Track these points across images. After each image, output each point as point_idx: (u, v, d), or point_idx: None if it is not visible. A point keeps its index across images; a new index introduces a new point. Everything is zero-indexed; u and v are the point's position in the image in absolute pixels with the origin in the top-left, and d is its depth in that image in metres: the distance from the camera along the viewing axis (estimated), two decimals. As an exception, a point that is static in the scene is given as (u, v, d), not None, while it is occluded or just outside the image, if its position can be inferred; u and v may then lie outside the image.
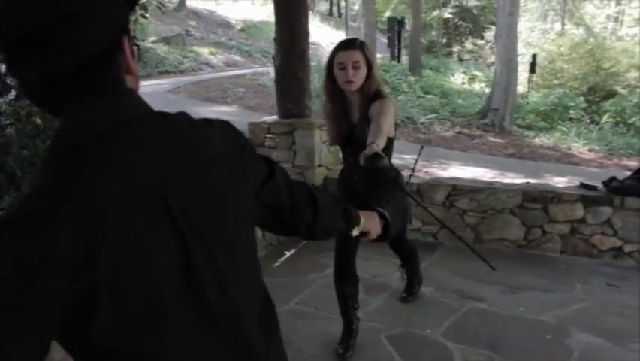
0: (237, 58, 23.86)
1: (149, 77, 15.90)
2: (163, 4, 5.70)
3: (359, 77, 2.78)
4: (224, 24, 29.48)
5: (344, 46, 2.84)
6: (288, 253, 4.84)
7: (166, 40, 22.45)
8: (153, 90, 11.89)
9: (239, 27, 29.88)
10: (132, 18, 5.72)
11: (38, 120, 5.63)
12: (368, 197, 2.33)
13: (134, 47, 0.87)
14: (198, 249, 0.85)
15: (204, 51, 22.64)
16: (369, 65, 2.80)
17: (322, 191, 1.39)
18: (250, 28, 29.68)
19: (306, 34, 5.46)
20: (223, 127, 0.98)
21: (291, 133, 5.38)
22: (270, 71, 19.70)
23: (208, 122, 0.96)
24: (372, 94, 2.81)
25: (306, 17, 5.50)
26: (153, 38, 21.55)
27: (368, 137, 2.51)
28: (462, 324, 3.59)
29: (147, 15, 5.79)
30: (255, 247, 1.04)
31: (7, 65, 0.80)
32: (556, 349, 3.29)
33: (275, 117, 5.74)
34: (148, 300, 0.79)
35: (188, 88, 14.12)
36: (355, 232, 1.44)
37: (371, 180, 2.58)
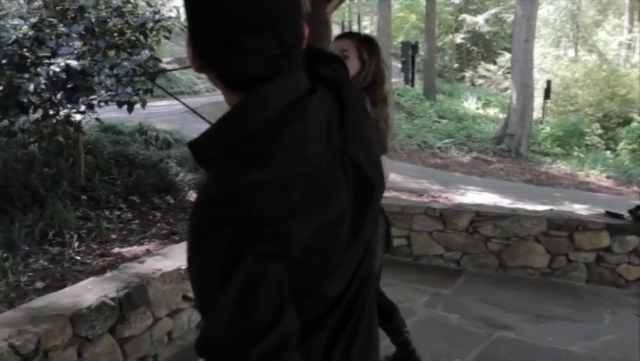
0: (253, 79, 23.99)
1: (163, 97, 16.01)
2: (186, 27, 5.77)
3: None
4: (239, 45, 29.75)
5: (340, 34, 2.70)
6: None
7: (180, 61, 22.63)
8: (169, 111, 11.95)
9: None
10: (154, 39, 5.83)
11: (61, 139, 5.73)
12: None
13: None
14: (371, 190, 1.01)
15: (219, 72, 22.80)
16: (363, 61, 2.57)
17: None
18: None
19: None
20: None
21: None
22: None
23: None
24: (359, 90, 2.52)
25: (329, 42, 5.53)
26: (168, 59, 21.72)
27: None
28: (490, 353, 3.55)
29: (169, 36, 5.90)
30: None
31: (226, 49, 0.87)
32: (589, 381, 3.25)
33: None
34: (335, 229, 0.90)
35: (205, 109, 14.18)
36: None
37: None
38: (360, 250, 1.00)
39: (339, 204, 0.90)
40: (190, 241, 0.83)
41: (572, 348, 3.62)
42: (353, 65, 2.55)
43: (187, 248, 0.84)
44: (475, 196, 8.16)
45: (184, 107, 14.13)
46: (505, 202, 7.45)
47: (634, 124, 14.37)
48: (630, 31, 23.28)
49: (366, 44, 2.60)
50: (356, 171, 0.95)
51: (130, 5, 5.08)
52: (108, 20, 4.90)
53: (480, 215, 5.07)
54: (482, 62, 28.60)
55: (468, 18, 29.55)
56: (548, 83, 15.76)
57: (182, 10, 6.69)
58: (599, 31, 25.33)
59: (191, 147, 0.91)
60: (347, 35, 2.70)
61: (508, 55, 24.75)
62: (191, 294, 3.41)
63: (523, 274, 4.91)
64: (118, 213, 5.10)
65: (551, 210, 5.28)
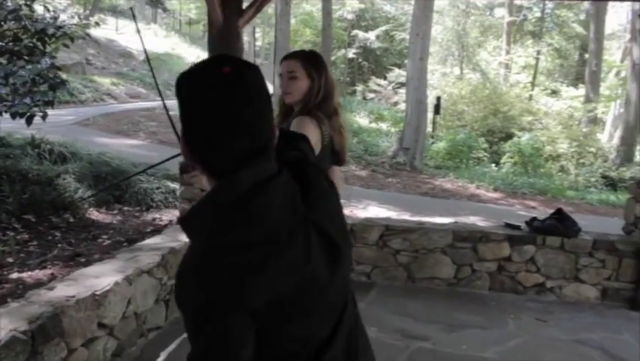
0: (140, 89, 23.18)
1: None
2: (89, 35, 5.48)
3: (295, 89, 2.55)
4: (126, 54, 28.55)
5: (285, 55, 2.68)
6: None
7: (65, 69, 21.34)
8: (57, 121, 11.22)
9: (141, 58, 29.12)
10: (53, 47, 5.49)
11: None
12: None
13: None
14: (337, 249, 1.18)
15: (106, 81, 21.81)
16: (312, 78, 2.55)
17: None
18: (153, 60, 28.94)
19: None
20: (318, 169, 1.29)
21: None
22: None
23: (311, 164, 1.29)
24: (307, 109, 2.52)
25: (240, 53, 5.46)
26: (52, 65, 20.50)
27: None
28: (412, 365, 3.64)
29: (69, 44, 5.58)
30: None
31: (207, 148, 1.09)
32: (504, 386, 3.42)
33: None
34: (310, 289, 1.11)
35: (97, 120, 13.52)
36: None
37: None
38: (338, 299, 1.20)
39: (295, 259, 1.08)
40: (175, 295, 1.08)
41: (486, 354, 3.81)
42: (303, 84, 2.54)
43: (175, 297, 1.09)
44: (377, 210, 8.37)
45: (73, 118, 13.47)
46: (406, 215, 7.70)
47: (515, 139, 15.47)
48: (508, 53, 25.07)
49: (311, 61, 2.58)
50: (321, 233, 1.14)
51: (27, 9, 4.71)
52: (2, 24, 4.52)
53: (389, 229, 5.21)
54: (373, 77, 29.48)
55: (360, 34, 30.43)
56: (438, 99, 16.55)
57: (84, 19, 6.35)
58: (481, 51, 27.07)
59: (181, 222, 1.12)
60: (291, 56, 2.65)
61: (397, 70, 25.78)
62: (106, 320, 3.22)
63: (431, 285, 5.10)
64: (12, 234, 4.70)
65: (456, 222, 5.54)
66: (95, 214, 5.56)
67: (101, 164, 6.65)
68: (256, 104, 1.10)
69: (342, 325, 1.19)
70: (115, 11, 36.86)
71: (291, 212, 1.10)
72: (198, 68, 1.11)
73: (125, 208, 5.99)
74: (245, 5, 5.60)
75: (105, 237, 4.93)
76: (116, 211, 5.85)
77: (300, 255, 1.08)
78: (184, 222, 1.11)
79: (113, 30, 30.60)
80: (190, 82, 1.11)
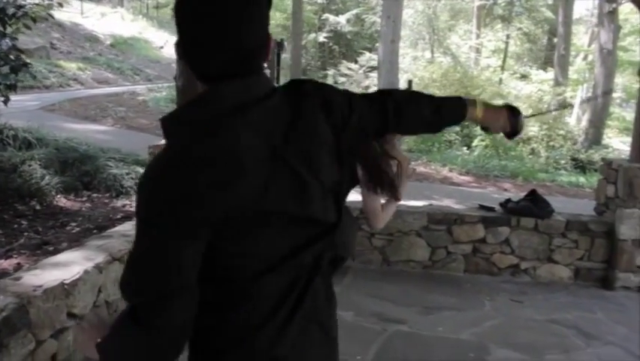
0: (108, 74, 22.66)
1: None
2: (52, 16, 5.27)
3: None
4: (92, 38, 27.82)
5: None
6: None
7: (28, 53, 20.72)
8: (22, 107, 10.88)
9: (108, 42, 28.45)
10: (14, 28, 5.28)
11: None
12: None
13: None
14: (311, 182, 1.15)
15: (72, 66, 21.22)
16: None
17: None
18: (120, 44, 28.37)
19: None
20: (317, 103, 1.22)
21: (196, 157, 5.15)
22: (147, 89, 19.04)
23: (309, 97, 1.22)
24: None
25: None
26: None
27: None
28: (389, 348, 3.63)
29: (31, 26, 5.38)
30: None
31: (193, 48, 1.12)
32: (481, 367, 3.43)
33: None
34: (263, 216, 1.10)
35: (63, 106, 13.14)
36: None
37: None
38: (301, 234, 1.15)
39: (253, 187, 1.06)
40: (137, 193, 1.10)
41: (462, 336, 3.83)
42: None
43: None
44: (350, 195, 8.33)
45: (37, 104, 13.07)
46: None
47: (485, 122, 15.50)
48: (478, 37, 25.16)
49: None
50: (291, 169, 1.11)
51: (-17, -14, 4.50)
52: (-42, 4, 4.32)
53: (363, 212, 5.17)
54: (344, 61, 29.30)
55: (331, 17, 30.20)
56: (410, 82, 16.46)
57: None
58: (452, 35, 27.12)
59: (161, 121, 1.14)
60: None
61: (368, 54, 25.67)
62: (76, 310, 3.11)
63: (406, 268, 5.10)
64: (-25, 222, 4.53)
65: (431, 204, 5.53)
66: (62, 201, 5.40)
67: (68, 150, 6.44)
68: (244, 8, 1.09)
69: (297, 258, 1.15)
70: (80, -7, 35.90)
71: (266, 141, 1.10)
72: None
73: (94, 195, 5.83)
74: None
75: (74, 224, 4.78)
76: (84, 198, 5.68)
77: (260, 185, 1.07)
78: (164, 121, 1.14)
79: (78, 13, 29.80)
80: None
